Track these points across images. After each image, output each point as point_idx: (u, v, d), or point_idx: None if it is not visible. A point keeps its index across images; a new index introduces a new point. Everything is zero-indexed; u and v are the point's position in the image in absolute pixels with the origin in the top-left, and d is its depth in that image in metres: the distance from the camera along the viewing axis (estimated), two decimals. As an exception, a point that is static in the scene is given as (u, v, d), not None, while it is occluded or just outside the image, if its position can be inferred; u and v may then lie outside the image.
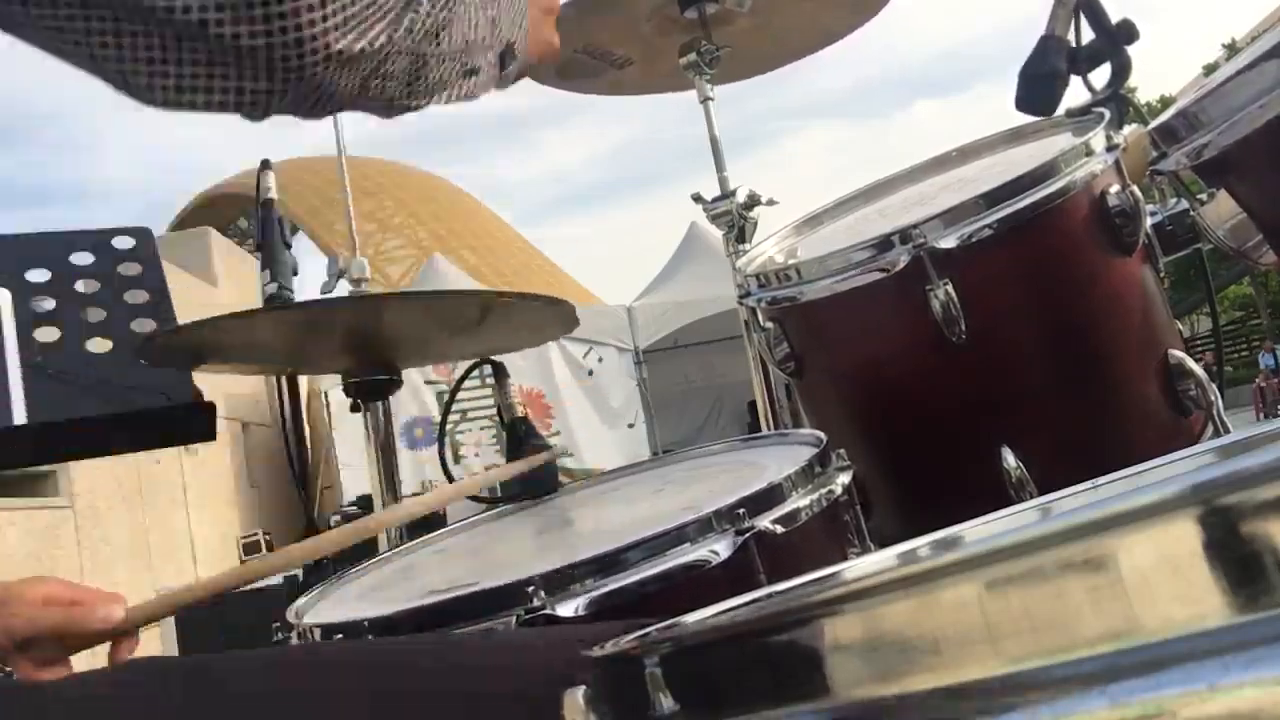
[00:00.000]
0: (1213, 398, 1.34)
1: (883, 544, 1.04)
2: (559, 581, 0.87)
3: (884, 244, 1.28)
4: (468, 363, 1.70)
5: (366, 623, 0.92)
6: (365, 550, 1.52)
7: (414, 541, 1.42)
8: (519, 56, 0.81)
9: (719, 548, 0.90)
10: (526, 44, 0.82)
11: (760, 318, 1.49)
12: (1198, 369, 1.35)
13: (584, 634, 0.64)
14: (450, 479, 1.93)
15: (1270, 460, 0.27)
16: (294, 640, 1.00)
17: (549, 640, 0.78)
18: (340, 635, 0.92)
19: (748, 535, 0.91)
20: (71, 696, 0.71)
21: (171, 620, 3.01)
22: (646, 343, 10.31)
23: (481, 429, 9.35)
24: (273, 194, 1.59)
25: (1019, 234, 1.27)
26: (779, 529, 0.94)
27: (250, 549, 7.13)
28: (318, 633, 0.97)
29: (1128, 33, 1.51)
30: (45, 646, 0.85)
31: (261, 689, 0.73)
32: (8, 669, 0.73)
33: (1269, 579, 0.27)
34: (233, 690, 0.72)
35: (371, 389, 1.66)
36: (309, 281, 2.00)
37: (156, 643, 3.38)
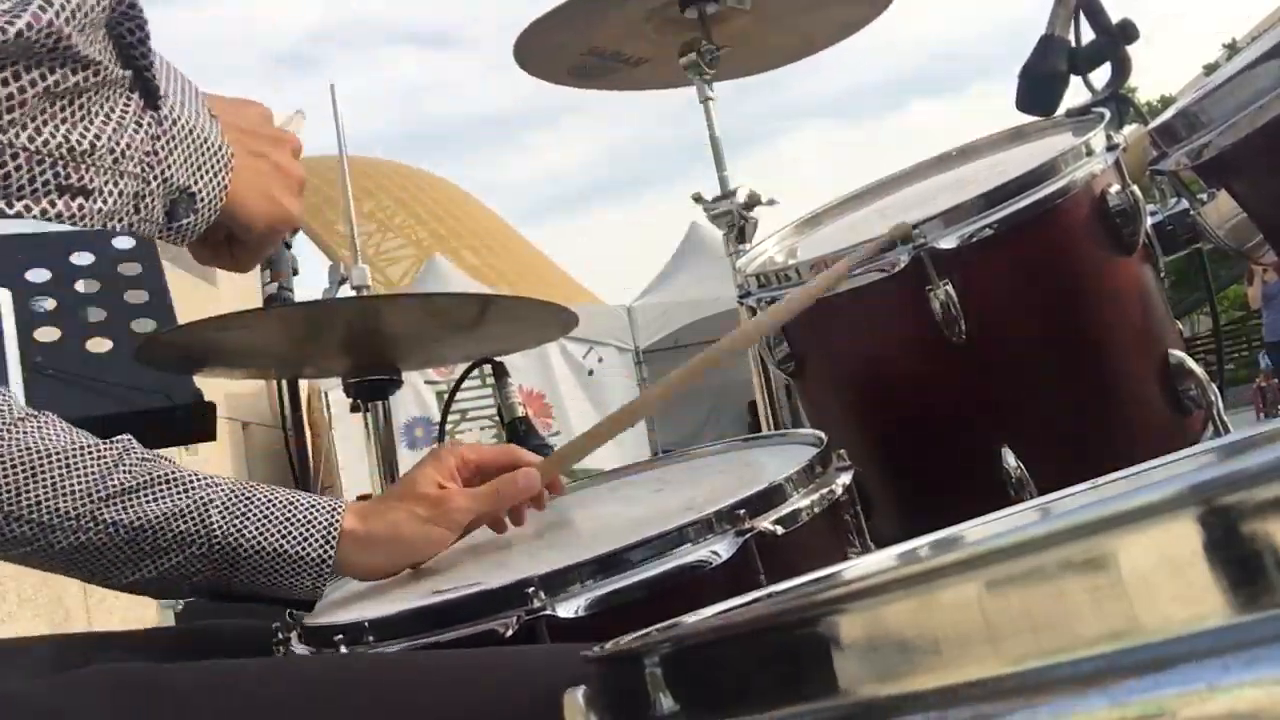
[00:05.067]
0: (1213, 398, 1.34)
1: (883, 544, 1.04)
2: (559, 582, 0.87)
3: (884, 244, 1.28)
4: (467, 363, 1.70)
5: (367, 623, 0.92)
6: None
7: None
8: (202, 211, 0.69)
9: (719, 548, 0.90)
10: (221, 199, 0.70)
11: (760, 318, 1.49)
12: (1198, 369, 1.35)
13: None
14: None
15: (1270, 460, 0.27)
16: (294, 640, 0.99)
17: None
18: (340, 635, 0.91)
19: (748, 536, 0.91)
20: (21, 711, 0.67)
21: (170, 621, 3.03)
22: (646, 343, 10.31)
23: (482, 429, 9.35)
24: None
25: (1019, 234, 1.27)
26: (779, 530, 0.93)
27: (250, 549, 7.10)
28: (317, 633, 0.97)
29: (1127, 32, 1.52)
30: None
31: (225, 705, 0.70)
32: None
33: (1269, 579, 0.27)
34: (196, 704, 0.70)
35: (371, 389, 1.66)
36: (309, 283, 2.00)
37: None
